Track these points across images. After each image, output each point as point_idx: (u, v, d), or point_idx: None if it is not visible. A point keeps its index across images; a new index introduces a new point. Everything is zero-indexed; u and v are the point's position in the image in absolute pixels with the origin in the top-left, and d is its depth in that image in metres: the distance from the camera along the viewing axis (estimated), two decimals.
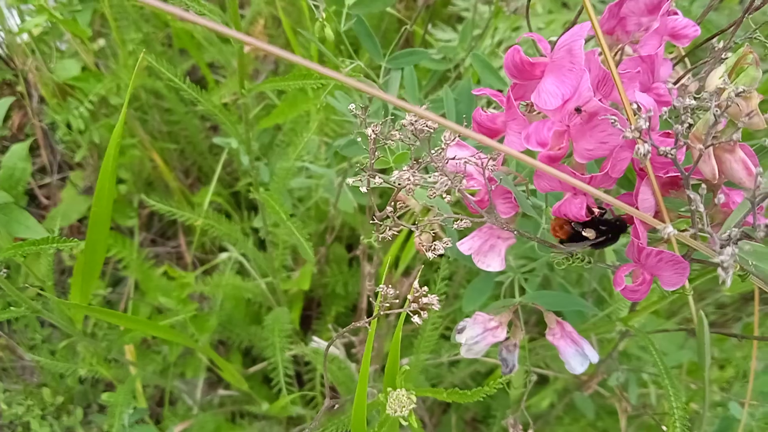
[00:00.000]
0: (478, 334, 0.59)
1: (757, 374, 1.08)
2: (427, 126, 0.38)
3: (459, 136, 0.60)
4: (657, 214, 0.43)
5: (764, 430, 1.01)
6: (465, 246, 0.58)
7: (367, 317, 1.40)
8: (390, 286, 1.30)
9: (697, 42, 0.57)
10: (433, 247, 0.43)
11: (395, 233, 0.49)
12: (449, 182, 0.39)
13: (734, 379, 1.29)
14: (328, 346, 0.55)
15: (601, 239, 0.51)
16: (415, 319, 0.37)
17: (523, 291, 0.78)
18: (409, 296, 0.38)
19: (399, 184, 0.43)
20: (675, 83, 0.56)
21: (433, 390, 0.62)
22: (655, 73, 0.51)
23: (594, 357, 0.58)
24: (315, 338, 1.19)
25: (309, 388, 1.41)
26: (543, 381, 1.39)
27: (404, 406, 0.54)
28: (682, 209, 0.46)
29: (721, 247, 0.31)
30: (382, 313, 0.42)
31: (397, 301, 1.35)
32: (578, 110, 0.38)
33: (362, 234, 1.37)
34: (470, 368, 1.29)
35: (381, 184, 0.41)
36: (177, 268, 1.67)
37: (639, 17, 0.54)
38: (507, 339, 0.64)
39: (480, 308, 0.81)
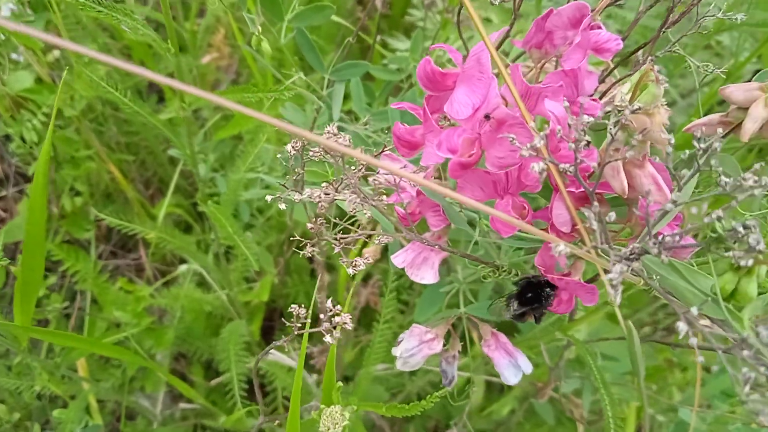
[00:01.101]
0: (414, 346, 0.59)
1: (708, 379, 1.09)
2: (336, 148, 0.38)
3: (390, 148, 0.60)
4: (575, 228, 0.44)
5: None
6: (399, 259, 0.58)
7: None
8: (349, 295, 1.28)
9: (623, 54, 0.58)
10: (354, 264, 0.43)
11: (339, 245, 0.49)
12: (360, 201, 0.39)
13: (692, 382, 1.31)
14: (257, 361, 0.54)
15: (528, 305, 0.52)
16: (327, 338, 0.37)
17: (472, 302, 0.78)
18: (321, 316, 0.38)
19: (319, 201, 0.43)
20: (602, 96, 0.57)
21: (372, 405, 0.62)
22: (579, 87, 0.51)
23: (527, 368, 0.59)
24: (273, 351, 1.18)
25: (270, 400, 1.40)
26: (503, 388, 1.39)
27: (337, 423, 0.54)
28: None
29: (613, 264, 0.31)
30: (296, 333, 0.41)
31: (355, 310, 1.32)
32: (487, 117, 0.38)
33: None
34: (428, 376, 1.29)
35: (299, 200, 0.41)
36: (138, 280, 1.65)
37: (564, 31, 0.54)
38: (446, 351, 0.64)
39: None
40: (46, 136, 1.35)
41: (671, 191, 0.40)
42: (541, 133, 0.32)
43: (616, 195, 0.48)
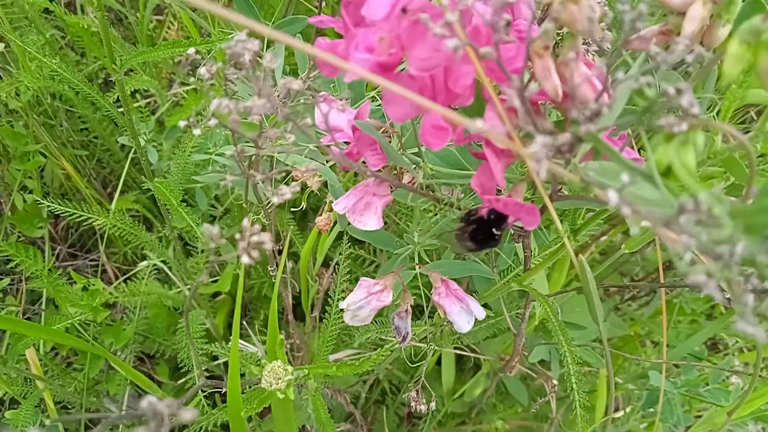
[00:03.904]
0: (362, 298, 0.56)
1: (676, 343, 1.08)
2: (247, 48, 0.35)
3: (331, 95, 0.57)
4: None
5: (685, 398, 1.01)
6: (340, 206, 0.55)
7: (294, 316, 1.35)
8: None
9: None
10: (280, 192, 0.40)
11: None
12: (269, 104, 0.36)
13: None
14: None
15: (479, 239, 0.50)
16: (245, 259, 0.34)
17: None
18: (237, 236, 0.35)
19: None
20: None
21: (322, 365, 0.59)
22: (516, 11, 0.49)
23: (480, 313, 0.56)
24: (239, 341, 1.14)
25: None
26: (475, 369, 1.37)
27: (280, 378, 0.51)
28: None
29: (537, 136, 0.28)
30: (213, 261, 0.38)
31: (319, 295, 1.30)
32: (404, 10, 0.35)
33: (284, 231, 1.33)
34: (398, 361, 1.27)
35: (213, 108, 0.38)
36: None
37: None
38: (398, 306, 0.61)
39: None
40: None
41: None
42: (455, 10, 0.30)
43: (560, 120, 0.46)
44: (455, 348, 0.99)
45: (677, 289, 1.15)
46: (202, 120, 0.41)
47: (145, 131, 1.19)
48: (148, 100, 1.55)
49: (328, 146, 0.50)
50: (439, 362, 1.29)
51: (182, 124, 0.41)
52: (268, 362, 0.52)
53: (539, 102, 0.41)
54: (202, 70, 0.40)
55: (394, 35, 0.36)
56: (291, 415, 0.53)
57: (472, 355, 1.00)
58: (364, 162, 0.54)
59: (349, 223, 0.79)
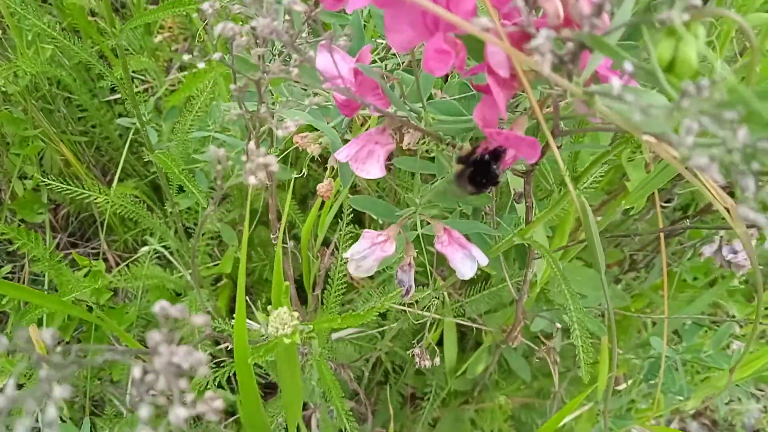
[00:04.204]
0: (366, 248, 0.56)
1: (676, 311, 1.08)
2: None
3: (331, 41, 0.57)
4: (514, 78, 0.42)
5: (689, 365, 1.01)
6: (342, 154, 0.55)
7: (299, 299, 1.35)
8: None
9: None
10: (285, 126, 0.41)
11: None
12: (272, 23, 0.36)
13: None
14: None
15: (478, 181, 0.50)
16: (252, 180, 0.34)
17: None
18: (243, 158, 0.35)
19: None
20: None
21: (328, 319, 0.59)
22: None
23: (483, 259, 0.56)
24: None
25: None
26: (476, 345, 1.37)
27: (286, 324, 0.51)
28: None
29: (539, 31, 0.29)
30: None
31: (320, 273, 1.30)
32: None
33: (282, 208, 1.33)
34: (401, 341, 1.28)
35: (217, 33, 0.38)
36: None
37: None
38: (401, 260, 0.61)
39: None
40: None
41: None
42: None
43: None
44: (456, 317, 0.99)
45: (677, 260, 1.16)
46: (206, 55, 0.41)
47: (144, 112, 1.19)
48: (145, 86, 1.55)
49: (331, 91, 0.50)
50: (440, 343, 1.29)
51: (187, 58, 0.41)
52: (274, 309, 0.52)
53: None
54: (204, 5, 0.40)
55: None
56: (295, 362, 0.54)
57: (474, 325, 1.00)
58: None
59: (351, 187, 0.79)
